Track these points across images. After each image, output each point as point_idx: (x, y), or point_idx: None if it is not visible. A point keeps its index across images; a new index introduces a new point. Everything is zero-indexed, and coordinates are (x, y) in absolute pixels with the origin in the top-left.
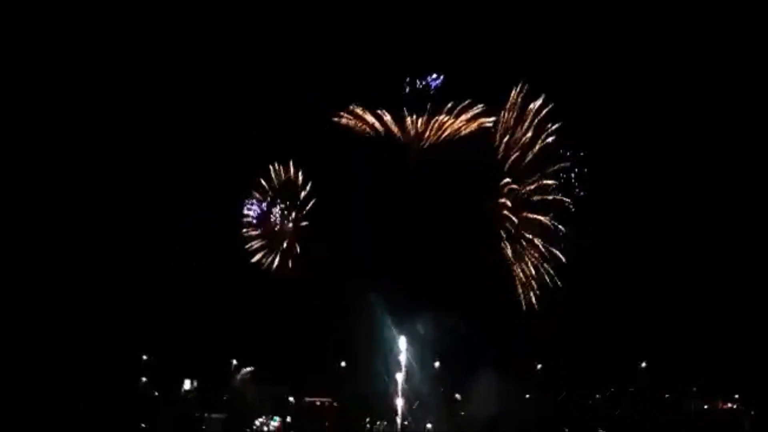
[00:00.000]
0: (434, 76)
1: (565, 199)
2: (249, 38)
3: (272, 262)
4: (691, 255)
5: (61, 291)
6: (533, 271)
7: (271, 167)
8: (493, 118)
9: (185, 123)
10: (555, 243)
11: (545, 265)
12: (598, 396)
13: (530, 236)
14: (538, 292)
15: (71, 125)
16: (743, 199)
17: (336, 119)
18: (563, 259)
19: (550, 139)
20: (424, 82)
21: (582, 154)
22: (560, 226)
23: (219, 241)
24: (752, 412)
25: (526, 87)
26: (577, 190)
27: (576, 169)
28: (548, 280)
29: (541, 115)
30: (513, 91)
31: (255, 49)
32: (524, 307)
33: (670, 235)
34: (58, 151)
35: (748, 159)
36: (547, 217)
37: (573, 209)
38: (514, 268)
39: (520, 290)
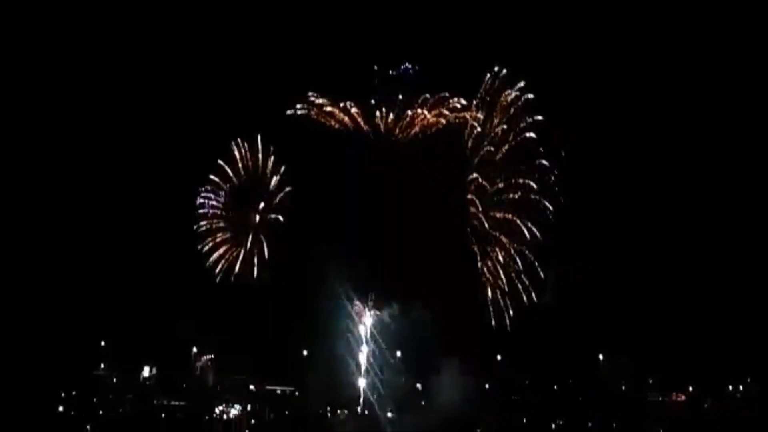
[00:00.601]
0: (407, 65)
1: (535, 197)
2: (212, 22)
3: (232, 265)
4: (655, 251)
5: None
6: (500, 270)
7: (234, 145)
8: (465, 114)
9: (141, 105)
10: (524, 242)
11: (511, 263)
12: (556, 387)
13: (497, 234)
14: (506, 288)
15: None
16: (723, 205)
17: (302, 110)
18: (531, 258)
19: (527, 135)
20: (395, 72)
21: (563, 154)
22: (532, 226)
23: (176, 231)
24: (705, 405)
25: (501, 77)
26: (556, 192)
27: (556, 171)
28: (514, 278)
29: (514, 107)
30: (485, 81)
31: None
32: (489, 303)
33: (636, 232)
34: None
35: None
36: (513, 216)
37: (551, 216)
38: (480, 264)
39: (489, 289)
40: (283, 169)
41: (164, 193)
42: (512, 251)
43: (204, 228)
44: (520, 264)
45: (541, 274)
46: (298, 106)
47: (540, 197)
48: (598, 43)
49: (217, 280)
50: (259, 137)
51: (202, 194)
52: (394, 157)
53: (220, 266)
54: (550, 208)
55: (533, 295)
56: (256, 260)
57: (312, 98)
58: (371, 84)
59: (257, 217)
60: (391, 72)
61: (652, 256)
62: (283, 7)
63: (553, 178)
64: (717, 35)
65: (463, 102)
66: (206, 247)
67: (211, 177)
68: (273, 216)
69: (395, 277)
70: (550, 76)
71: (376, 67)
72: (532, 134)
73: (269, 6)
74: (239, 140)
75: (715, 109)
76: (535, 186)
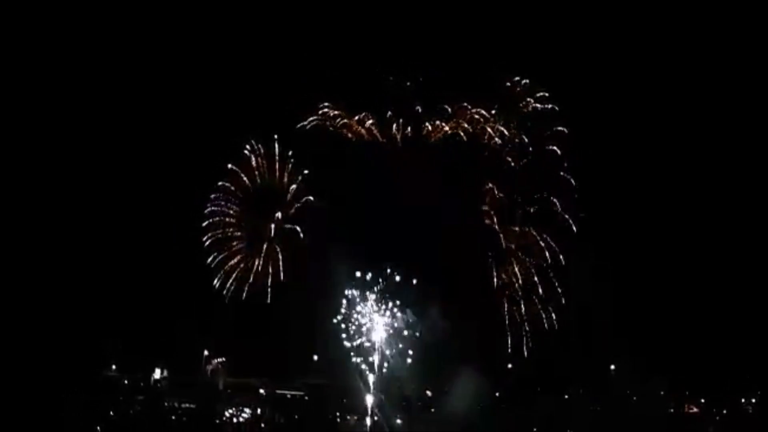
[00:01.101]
0: (423, 77)
1: (555, 209)
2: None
3: (246, 276)
4: (664, 260)
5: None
6: (514, 280)
7: (248, 148)
8: (483, 125)
9: (149, 111)
10: (542, 258)
11: (528, 278)
12: (567, 397)
13: (514, 248)
14: (519, 297)
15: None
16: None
17: (315, 122)
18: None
19: (548, 147)
20: (411, 83)
21: (578, 165)
22: (549, 239)
23: (187, 235)
24: (717, 417)
25: (521, 86)
26: (575, 207)
27: (575, 185)
28: (528, 287)
29: (534, 117)
30: (504, 90)
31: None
32: (506, 312)
33: (642, 237)
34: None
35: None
36: (531, 230)
37: (574, 227)
38: (494, 273)
39: (506, 302)
40: (300, 177)
41: (177, 198)
42: (529, 266)
43: (219, 236)
44: (537, 279)
45: (559, 290)
46: (311, 118)
47: (560, 210)
48: (624, 53)
49: (231, 290)
50: (276, 142)
51: (214, 201)
52: (412, 166)
53: (233, 276)
54: (571, 222)
55: (550, 309)
56: (270, 269)
57: (325, 110)
58: (386, 95)
59: (273, 228)
60: (408, 83)
61: (667, 266)
62: (294, 14)
63: (576, 195)
64: (749, 50)
65: (483, 112)
66: (220, 257)
67: (224, 183)
68: (289, 226)
69: (409, 284)
70: (572, 87)
71: (391, 78)
72: (554, 147)
73: (280, 12)
74: (254, 143)
75: (729, 125)
76: (555, 200)
